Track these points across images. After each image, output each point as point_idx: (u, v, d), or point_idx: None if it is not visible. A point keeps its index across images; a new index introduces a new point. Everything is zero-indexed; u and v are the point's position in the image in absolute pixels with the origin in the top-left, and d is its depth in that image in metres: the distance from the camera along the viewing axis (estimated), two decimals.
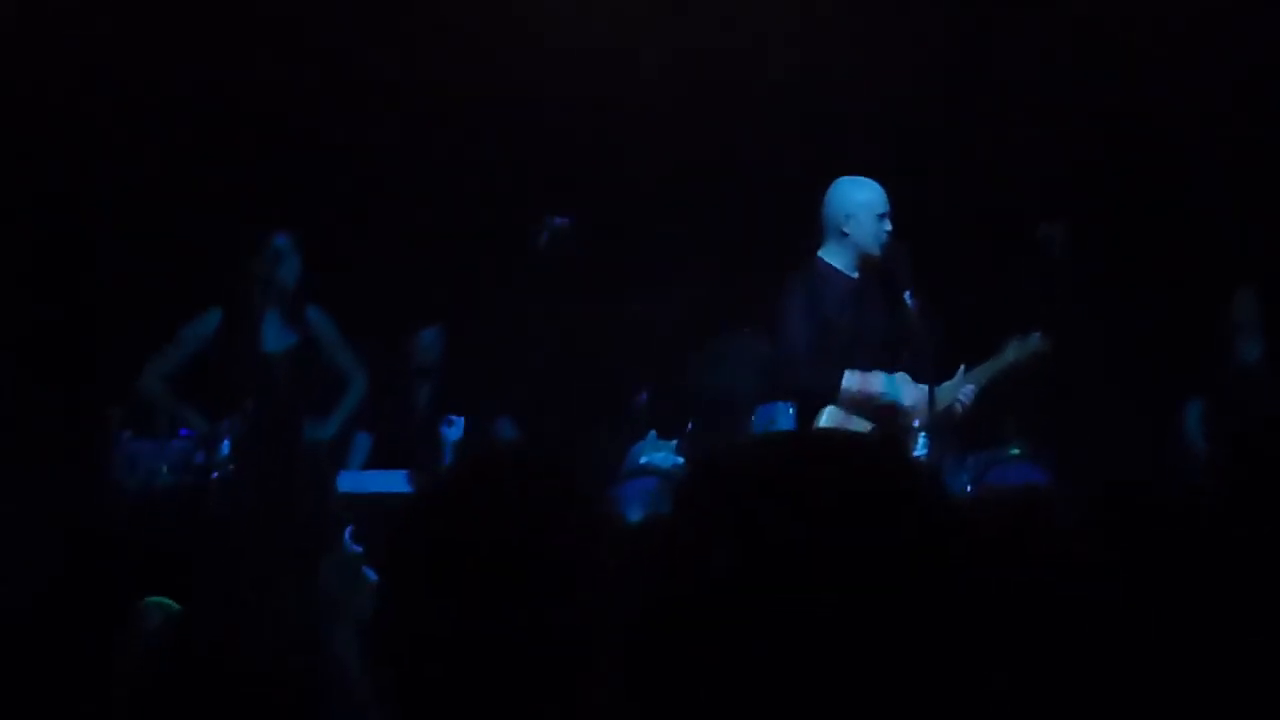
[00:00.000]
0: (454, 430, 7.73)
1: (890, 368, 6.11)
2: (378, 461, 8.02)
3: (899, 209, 6.19)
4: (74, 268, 8.42)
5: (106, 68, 8.37)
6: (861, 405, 6.00)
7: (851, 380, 5.98)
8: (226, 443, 6.86)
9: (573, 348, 8.44)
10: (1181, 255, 8.67)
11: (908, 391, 6.08)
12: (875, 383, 6.02)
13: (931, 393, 5.95)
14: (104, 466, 7.38)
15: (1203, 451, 8.03)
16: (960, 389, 6.15)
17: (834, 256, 6.14)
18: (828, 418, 6.00)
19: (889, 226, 6.07)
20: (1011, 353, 6.27)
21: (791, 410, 6.36)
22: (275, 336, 6.98)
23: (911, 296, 6.03)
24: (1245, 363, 8.14)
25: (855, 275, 6.14)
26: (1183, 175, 8.71)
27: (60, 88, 8.23)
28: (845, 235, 6.10)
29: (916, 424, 6.06)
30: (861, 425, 6.01)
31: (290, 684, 2.70)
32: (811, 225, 6.24)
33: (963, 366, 6.22)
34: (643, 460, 7.68)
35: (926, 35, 8.66)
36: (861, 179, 6.18)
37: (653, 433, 7.91)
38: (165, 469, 7.10)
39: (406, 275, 8.79)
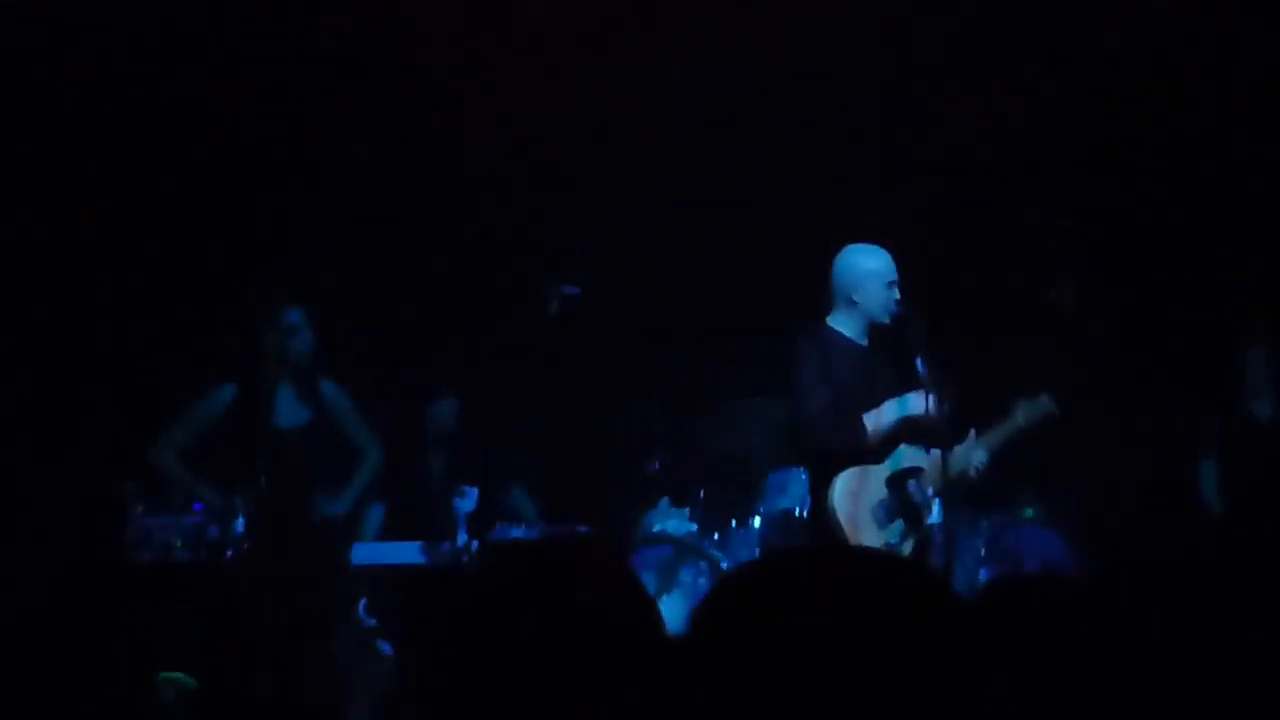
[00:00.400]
0: (467, 501, 7.72)
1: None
2: (392, 532, 7.99)
3: (910, 272, 6.22)
4: (89, 338, 8.42)
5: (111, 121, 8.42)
6: (885, 443, 6.02)
7: (870, 419, 6.02)
8: (241, 518, 6.85)
9: (584, 416, 8.45)
10: (1192, 315, 8.67)
11: (914, 458, 6.10)
12: (885, 414, 6.06)
13: (945, 458, 5.94)
14: (118, 542, 7.37)
15: (1216, 510, 8.02)
16: (972, 454, 6.14)
17: (843, 324, 6.17)
18: (841, 484, 6.00)
19: (897, 295, 6.09)
20: (1021, 415, 6.27)
21: (805, 475, 6.36)
22: (289, 412, 6.98)
23: (924, 363, 6.04)
24: (1257, 421, 8.14)
25: (864, 343, 6.16)
26: (1192, 235, 8.72)
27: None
28: (854, 303, 6.13)
29: (928, 497, 6.07)
30: (879, 476, 6.03)
31: None
32: (821, 289, 6.26)
33: (973, 431, 6.21)
34: (656, 528, 7.67)
35: (935, 94, 8.69)
36: (871, 247, 6.20)
37: (666, 500, 7.90)
38: (179, 544, 7.08)
39: (418, 342, 8.80)
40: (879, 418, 6.04)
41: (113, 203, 8.46)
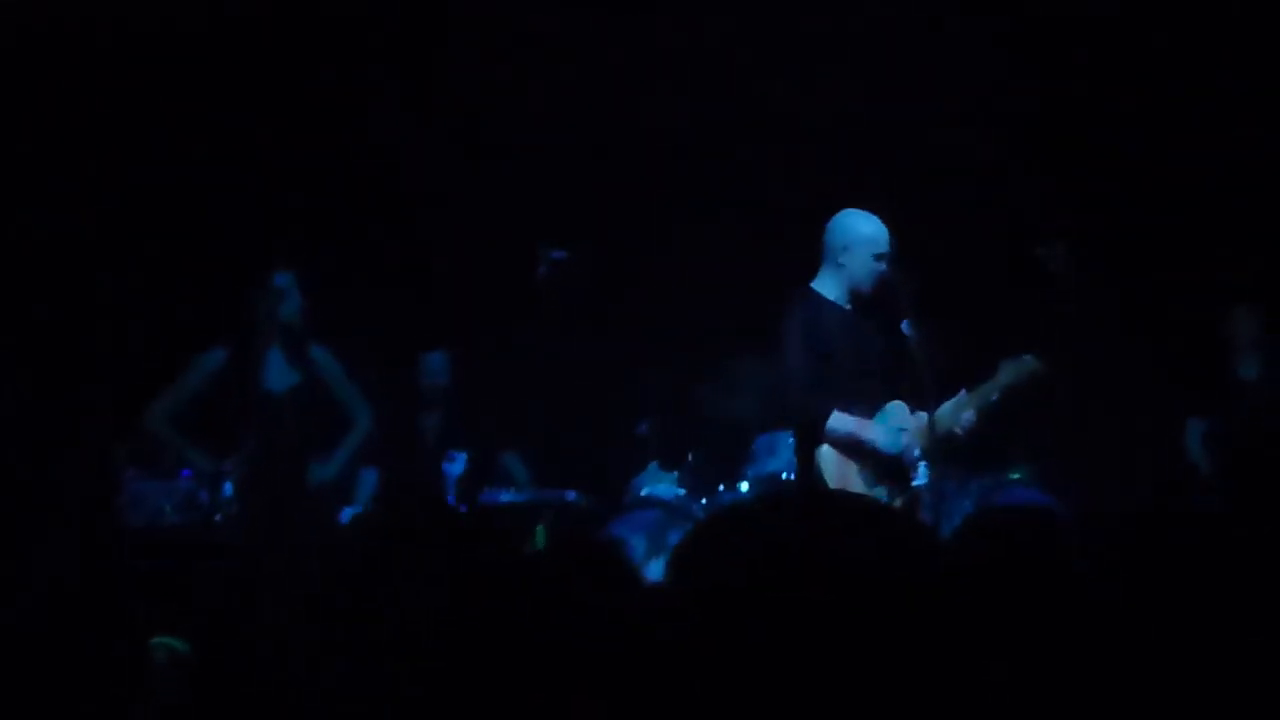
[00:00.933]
0: (456, 465, 7.73)
1: (887, 396, 6.12)
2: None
3: (900, 232, 6.19)
4: (79, 300, 8.41)
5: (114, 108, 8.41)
6: (851, 450, 6.01)
7: (842, 423, 5.97)
8: (229, 483, 6.85)
9: (573, 379, 8.45)
10: (1181, 273, 8.69)
11: (902, 420, 6.09)
12: (867, 431, 6.01)
13: (931, 420, 5.94)
14: (109, 504, 7.38)
15: (1205, 469, 8.05)
16: (960, 412, 6.14)
17: (827, 287, 6.12)
18: (826, 452, 6.00)
19: (884, 268, 6.04)
20: (1005, 375, 6.26)
21: (791, 439, 6.36)
22: (278, 375, 6.98)
23: (910, 325, 6.03)
24: (1245, 380, 8.16)
25: (848, 306, 6.14)
26: (1181, 193, 8.73)
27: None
28: (841, 266, 6.10)
29: (913, 458, 6.06)
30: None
31: None
32: (812, 253, 6.24)
33: (964, 391, 6.21)
34: (644, 491, 7.69)
35: (929, 61, 8.68)
36: (866, 214, 6.13)
37: (655, 463, 7.91)
38: (169, 508, 7.10)
39: (406, 308, 8.81)
40: (857, 427, 6.00)
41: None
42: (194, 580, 6.45)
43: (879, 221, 6.10)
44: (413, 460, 8.02)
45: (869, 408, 6.10)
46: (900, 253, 6.13)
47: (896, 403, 6.11)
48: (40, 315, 8.20)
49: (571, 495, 7.84)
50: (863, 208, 6.19)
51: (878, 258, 6.04)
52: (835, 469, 6.00)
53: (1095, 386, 8.32)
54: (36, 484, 7.44)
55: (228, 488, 6.86)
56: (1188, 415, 8.17)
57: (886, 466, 6.05)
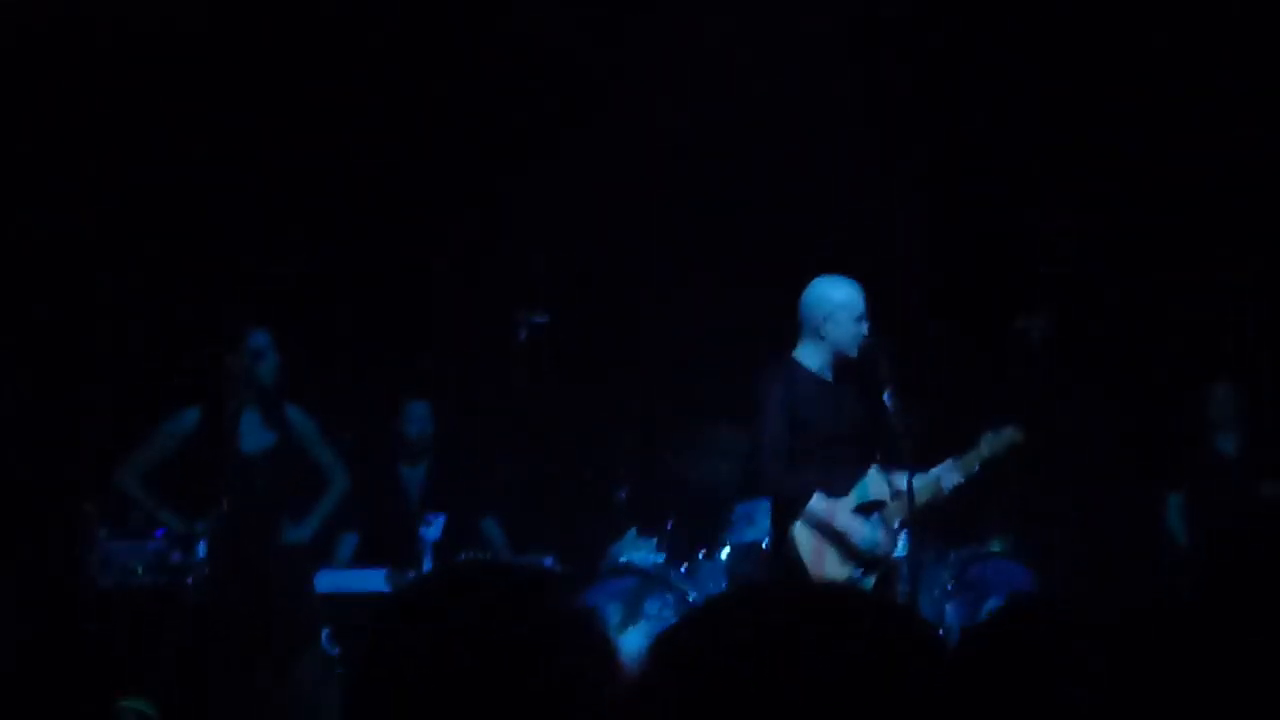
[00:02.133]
0: (433, 530, 7.66)
1: (865, 465, 6.11)
2: (364, 558, 7.89)
3: (880, 301, 6.18)
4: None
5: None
6: (825, 532, 5.98)
7: (816, 505, 5.95)
8: (203, 543, 6.79)
9: (552, 443, 8.42)
10: (1160, 349, 8.70)
11: (879, 489, 6.08)
12: (840, 519, 5.99)
13: (910, 490, 5.92)
14: (80, 564, 7.30)
15: (1182, 542, 8.04)
16: (945, 475, 6.12)
17: (809, 357, 6.10)
18: (800, 529, 5.97)
19: (865, 329, 6.03)
20: (987, 445, 6.25)
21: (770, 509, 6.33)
22: (253, 436, 6.92)
23: (890, 395, 6.02)
24: (1223, 456, 8.18)
25: (829, 377, 6.12)
26: (1161, 270, 8.75)
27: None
28: (822, 337, 6.07)
29: (890, 544, 6.05)
30: (843, 509, 6.01)
31: None
32: (788, 319, 6.23)
33: (948, 460, 6.21)
34: (622, 559, 7.63)
35: (908, 122, 8.70)
36: (839, 279, 6.13)
37: (633, 530, 7.86)
38: (140, 569, 7.03)
39: (388, 368, 8.77)
40: (830, 511, 5.98)
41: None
42: (163, 642, 6.39)
43: (853, 283, 6.09)
44: (393, 520, 7.91)
45: (848, 477, 6.08)
46: (879, 323, 6.12)
47: (874, 472, 6.10)
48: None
49: (548, 561, 7.78)
50: (838, 273, 6.19)
51: (858, 320, 6.03)
52: (810, 544, 5.96)
53: (1076, 459, 8.31)
54: (6, 539, 7.37)
55: (201, 549, 6.80)
56: (1167, 489, 8.17)
57: (861, 553, 6.02)
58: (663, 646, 1.46)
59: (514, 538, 8.19)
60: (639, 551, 7.68)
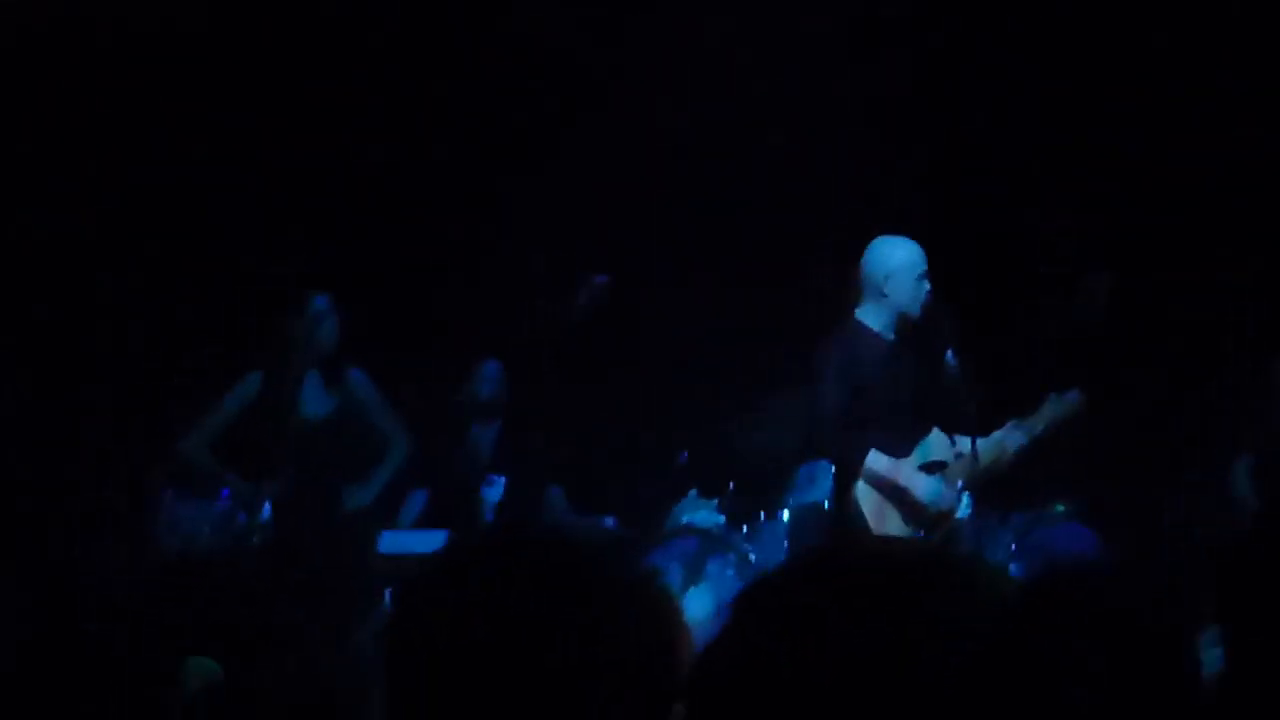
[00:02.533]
0: (494, 490, 7.69)
1: (928, 427, 6.09)
2: (431, 517, 7.90)
3: (940, 263, 6.16)
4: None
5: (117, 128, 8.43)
6: (885, 491, 5.97)
7: (878, 463, 5.94)
8: (268, 506, 6.84)
9: (614, 406, 8.42)
10: (1230, 309, 8.61)
11: (942, 451, 6.06)
12: (906, 477, 5.97)
13: (974, 452, 5.90)
14: (147, 527, 7.38)
15: (1252, 506, 7.95)
16: (1009, 436, 6.11)
17: (871, 317, 6.11)
18: (863, 490, 5.98)
19: (928, 286, 6.03)
20: (1051, 409, 6.22)
21: (833, 469, 6.33)
22: (314, 401, 6.96)
23: (953, 355, 6.00)
24: None
25: (892, 336, 6.11)
26: (1232, 227, 8.66)
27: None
28: (885, 296, 6.07)
29: (953, 501, 6.02)
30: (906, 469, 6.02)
31: None
32: (850, 282, 6.22)
33: (1010, 423, 6.20)
34: (684, 520, 7.64)
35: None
36: (900, 239, 6.14)
37: (694, 491, 7.87)
38: (207, 530, 7.09)
39: (450, 333, 8.79)
40: (892, 469, 5.97)
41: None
42: (228, 602, 6.44)
43: (914, 244, 6.09)
44: (463, 481, 7.91)
45: (910, 439, 6.07)
46: (941, 286, 6.11)
47: (936, 433, 6.08)
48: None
49: (610, 523, 7.80)
50: (891, 233, 6.19)
51: (920, 278, 6.03)
52: (872, 507, 5.96)
53: (1142, 421, 8.24)
54: (75, 503, 7.45)
55: (266, 510, 6.85)
56: (1236, 451, 8.08)
57: (924, 508, 6.01)
58: (739, 610, 1.44)
59: (576, 500, 8.20)
60: (700, 512, 7.69)
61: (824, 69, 8.46)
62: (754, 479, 7.79)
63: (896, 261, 6.06)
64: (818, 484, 7.24)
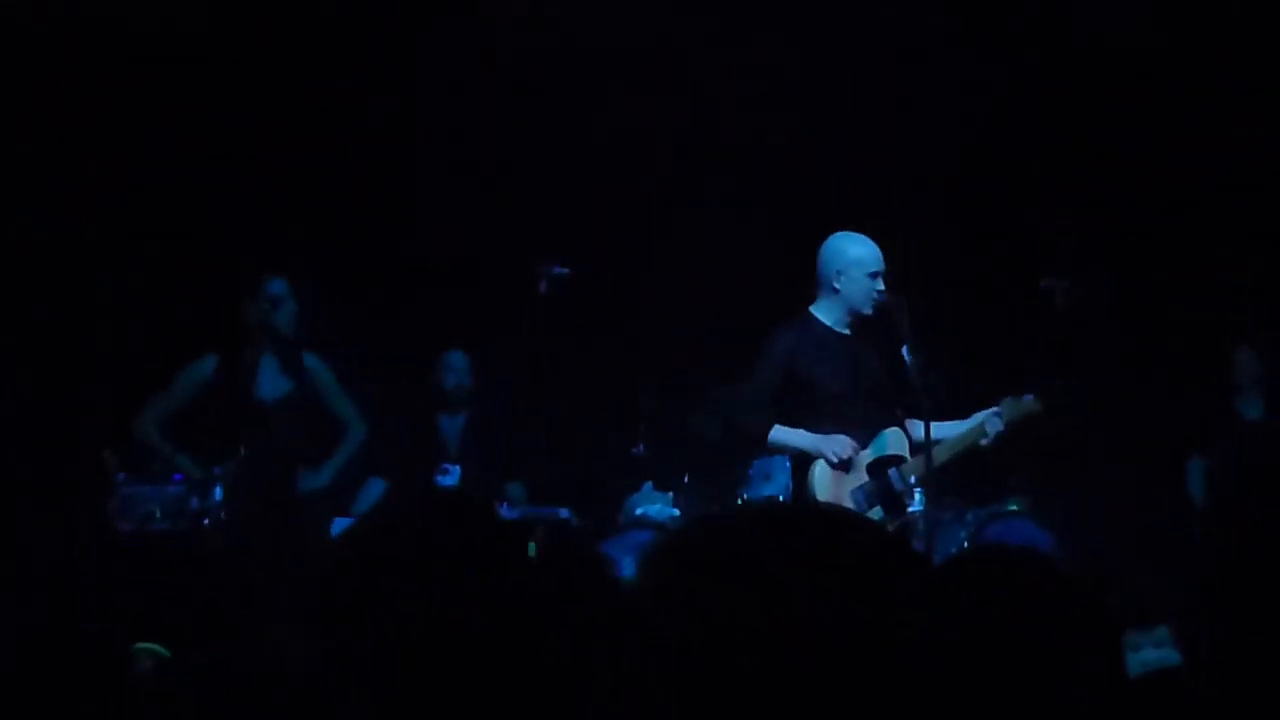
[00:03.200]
0: (449, 479, 7.67)
1: (884, 422, 6.11)
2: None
3: (901, 261, 6.17)
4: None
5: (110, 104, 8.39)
6: (800, 462, 6.02)
7: (784, 434, 5.97)
8: (219, 489, 6.82)
9: (570, 397, 8.41)
10: (1183, 313, 8.66)
11: (899, 446, 6.08)
12: (807, 440, 6.00)
13: (928, 448, 5.91)
14: (99, 509, 7.33)
15: (1202, 505, 8.00)
16: (989, 422, 6.13)
17: (824, 312, 6.13)
18: (821, 468, 6.00)
19: (881, 285, 6.03)
20: (1006, 411, 6.23)
21: (788, 464, 6.35)
22: (271, 383, 6.94)
23: (909, 350, 6.01)
24: (1246, 420, 8.14)
25: (845, 331, 6.12)
26: (1188, 232, 8.71)
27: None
28: (836, 291, 6.08)
29: (909, 485, 6.04)
30: (860, 462, 6.02)
31: None
32: (809, 276, 6.23)
33: (965, 422, 6.21)
34: (638, 512, 7.64)
35: (935, 84, 8.66)
36: (856, 235, 6.13)
37: (649, 484, 7.87)
38: (159, 513, 7.05)
39: (407, 326, 8.77)
40: (797, 438, 6.00)
41: (113, 203, 8.44)
42: (179, 586, 6.41)
43: (869, 241, 6.09)
44: (425, 469, 7.89)
45: (866, 432, 6.08)
46: (899, 276, 6.12)
47: (894, 429, 6.10)
48: (40, 315, 8.18)
49: (565, 513, 7.79)
50: (861, 228, 6.19)
51: (872, 276, 6.03)
52: (829, 491, 5.98)
53: (1097, 420, 8.28)
54: (29, 488, 7.40)
55: (218, 493, 6.83)
56: (1189, 452, 8.14)
57: (881, 491, 6.03)
58: (653, 561, 1.45)
59: (531, 491, 8.19)
60: (655, 505, 7.69)
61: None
62: (709, 472, 7.80)
63: (849, 258, 6.07)
64: (773, 478, 7.25)
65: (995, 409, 6.17)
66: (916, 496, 6.05)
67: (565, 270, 7.62)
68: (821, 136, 8.73)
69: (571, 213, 8.70)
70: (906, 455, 6.07)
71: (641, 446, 8.04)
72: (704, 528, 1.44)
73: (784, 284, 6.79)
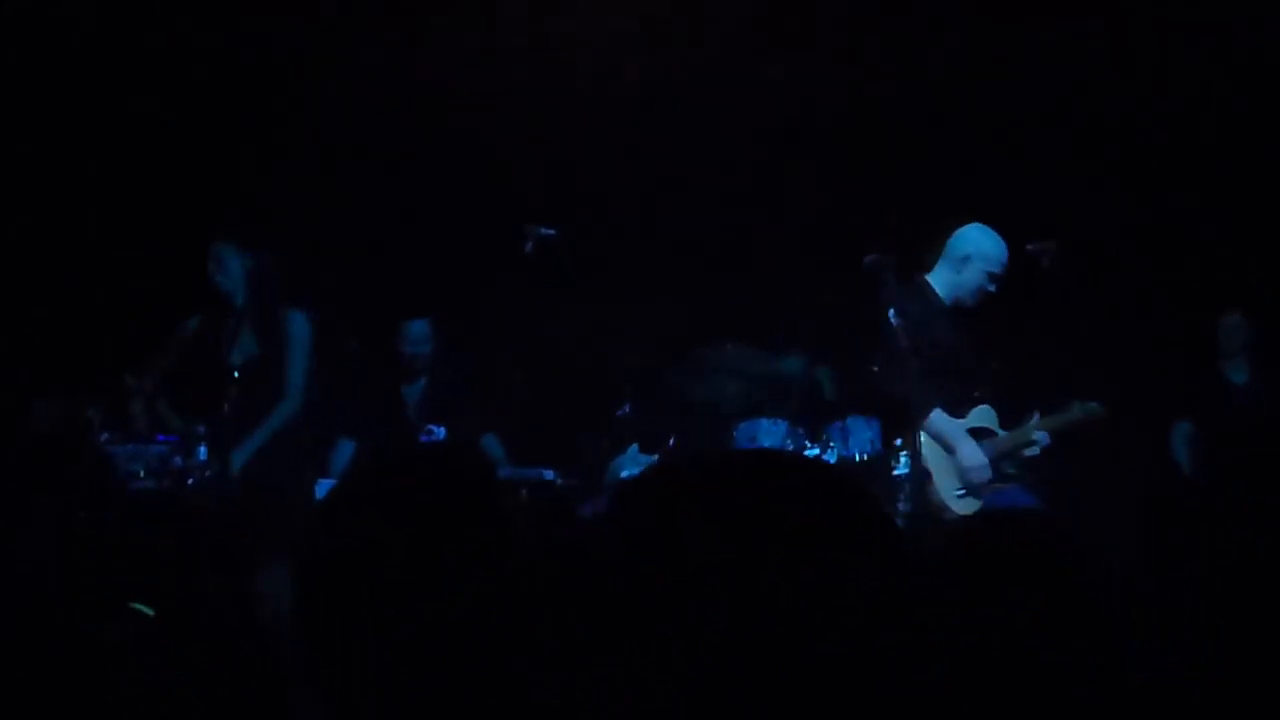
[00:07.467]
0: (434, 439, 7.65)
1: (976, 400, 6.33)
2: None
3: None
4: (60, 267, 8.37)
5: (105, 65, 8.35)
6: (943, 445, 6.15)
7: (939, 419, 6.11)
8: (203, 448, 6.79)
9: (556, 358, 8.40)
10: (1171, 277, 8.67)
11: (991, 424, 6.19)
12: (956, 436, 6.14)
13: (1013, 432, 6.10)
14: (83, 468, 7.31)
15: (1188, 472, 8.03)
16: (1037, 432, 6.27)
17: (939, 283, 6.33)
18: (926, 442, 6.07)
19: (992, 289, 6.24)
20: (1076, 412, 6.39)
21: (782, 426, 6.42)
22: (242, 347, 6.92)
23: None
24: (1234, 385, 8.15)
25: (950, 305, 6.35)
26: (1175, 196, 8.71)
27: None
28: (956, 272, 6.29)
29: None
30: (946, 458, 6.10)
31: (263, 690, 2.68)
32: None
33: (1036, 414, 6.33)
34: (624, 474, 7.63)
35: (926, 54, 8.65)
36: (995, 235, 6.34)
37: (635, 445, 7.85)
38: (142, 472, 7.02)
39: (387, 278, 8.75)
40: (947, 426, 6.15)
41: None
42: (162, 544, 6.39)
43: (1003, 244, 6.26)
44: (391, 431, 7.95)
45: (963, 406, 6.24)
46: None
47: (986, 406, 6.26)
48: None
49: (549, 474, 7.78)
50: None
51: (991, 277, 6.19)
52: (937, 457, 6.07)
53: (1083, 386, 8.30)
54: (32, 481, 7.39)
55: (202, 452, 6.81)
56: (1175, 418, 8.15)
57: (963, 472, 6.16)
58: (618, 504, 1.43)
59: (516, 452, 8.19)
60: (640, 467, 7.67)
61: (823, 69, 8.49)
62: (695, 433, 7.79)
63: (979, 249, 6.28)
64: (758, 443, 7.24)
65: (1038, 420, 6.32)
66: (903, 461, 6.16)
67: (552, 231, 7.59)
68: (816, 93, 8.70)
69: (559, 173, 8.67)
70: (998, 431, 6.29)
71: (627, 407, 8.03)
72: (680, 470, 1.42)
73: (771, 243, 6.79)
